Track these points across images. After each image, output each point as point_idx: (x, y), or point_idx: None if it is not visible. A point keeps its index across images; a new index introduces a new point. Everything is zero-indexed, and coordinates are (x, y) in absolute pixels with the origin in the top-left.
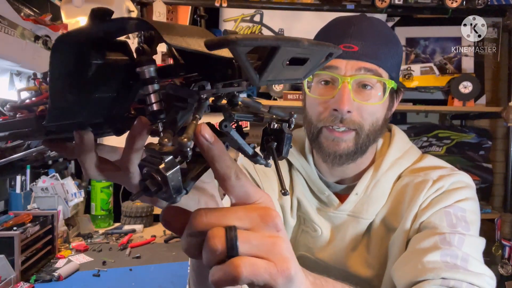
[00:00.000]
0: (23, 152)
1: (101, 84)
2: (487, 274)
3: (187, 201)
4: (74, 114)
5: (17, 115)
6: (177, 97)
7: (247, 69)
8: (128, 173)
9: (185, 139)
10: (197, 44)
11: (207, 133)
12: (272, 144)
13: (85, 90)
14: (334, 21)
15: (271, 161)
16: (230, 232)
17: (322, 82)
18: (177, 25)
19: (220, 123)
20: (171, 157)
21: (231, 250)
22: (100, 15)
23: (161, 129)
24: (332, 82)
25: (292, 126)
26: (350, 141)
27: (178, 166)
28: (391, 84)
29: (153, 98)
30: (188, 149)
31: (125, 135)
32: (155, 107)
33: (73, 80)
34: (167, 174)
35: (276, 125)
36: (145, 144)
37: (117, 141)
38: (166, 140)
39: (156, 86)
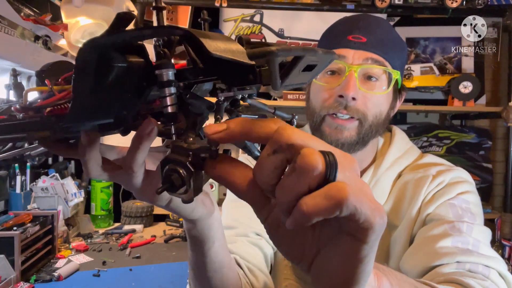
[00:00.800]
0: (8, 152)
1: (119, 86)
2: (499, 258)
3: None
4: (91, 115)
5: (21, 116)
6: (193, 103)
7: (275, 75)
8: (132, 173)
9: None
10: (232, 53)
11: (214, 128)
12: None
13: (105, 91)
14: (342, 19)
15: None
16: (329, 155)
17: (329, 72)
18: (208, 33)
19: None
20: (197, 155)
21: (331, 174)
22: (125, 21)
23: (173, 131)
24: (338, 72)
25: (294, 126)
26: (353, 129)
27: (203, 166)
28: (397, 75)
29: (169, 100)
30: (216, 147)
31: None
32: (170, 109)
33: (96, 82)
34: (194, 170)
35: None
36: (168, 142)
37: (115, 141)
38: (191, 139)
39: (173, 89)
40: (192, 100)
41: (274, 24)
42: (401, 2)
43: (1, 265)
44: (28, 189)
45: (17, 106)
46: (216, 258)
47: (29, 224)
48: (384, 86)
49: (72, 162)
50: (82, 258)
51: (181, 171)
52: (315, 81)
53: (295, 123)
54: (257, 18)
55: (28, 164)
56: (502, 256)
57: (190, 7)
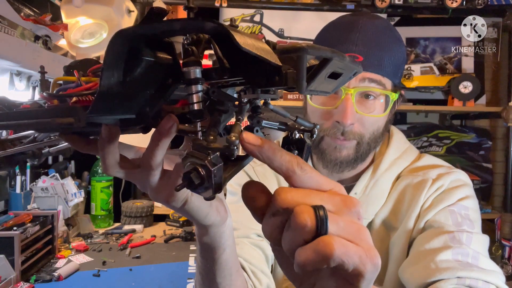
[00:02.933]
0: (29, 145)
1: (144, 81)
2: (497, 271)
3: (200, 204)
4: (115, 108)
5: (45, 105)
6: (218, 101)
7: (302, 76)
8: (150, 170)
9: (233, 138)
10: (261, 51)
11: (251, 139)
12: (293, 152)
13: (130, 84)
14: (337, 23)
15: None
16: (319, 210)
17: None
18: (239, 30)
19: (252, 128)
20: (217, 153)
21: (321, 228)
22: (157, 15)
23: (198, 128)
24: (335, 92)
25: (315, 136)
26: (351, 149)
27: (222, 163)
28: (394, 97)
29: (195, 98)
30: (235, 147)
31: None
32: (196, 107)
33: (123, 73)
34: (213, 169)
35: (298, 134)
36: (192, 140)
37: (128, 140)
38: (212, 137)
39: (199, 87)
40: (218, 98)
41: (274, 24)
42: (401, 2)
43: (1, 265)
44: (28, 189)
45: (44, 94)
46: (227, 265)
47: (29, 224)
48: (382, 100)
49: (72, 162)
50: (82, 258)
51: (200, 169)
52: (311, 103)
53: (316, 132)
54: (257, 18)
55: (28, 164)
56: (502, 256)
57: (189, 8)
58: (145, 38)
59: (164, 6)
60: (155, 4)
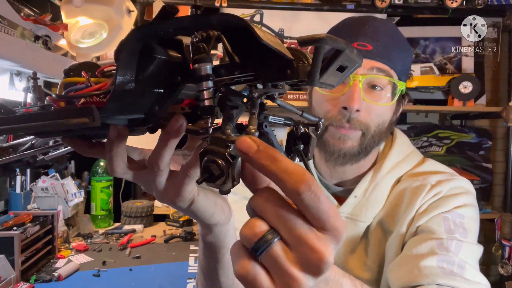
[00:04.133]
0: (26, 152)
1: (156, 79)
2: (482, 283)
3: (206, 203)
4: (126, 107)
5: (52, 108)
6: (229, 97)
7: (316, 67)
8: (158, 171)
9: (253, 130)
10: (277, 45)
11: (243, 145)
12: (299, 146)
13: (142, 83)
14: (347, 20)
15: (298, 162)
16: (272, 235)
17: None
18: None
19: (260, 123)
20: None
21: (254, 252)
22: (169, 13)
23: (209, 124)
24: (342, 81)
25: (320, 130)
26: (355, 140)
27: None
28: (402, 86)
29: (206, 94)
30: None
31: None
32: (207, 102)
33: (137, 72)
34: (233, 161)
35: (303, 128)
36: (204, 138)
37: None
38: (229, 131)
39: (210, 83)
40: (228, 93)
41: (274, 24)
42: (401, 2)
43: (1, 265)
44: (28, 189)
45: (53, 96)
46: (230, 264)
47: (29, 224)
48: (389, 94)
49: (72, 162)
50: (82, 258)
51: (220, 161)
52: (318, 90)
53: (321, 125)
54: (257, 18)
55: None
56: (502, 256)
57: (190, 7)
58: (158, 36)
59: None
60: (155, 4)
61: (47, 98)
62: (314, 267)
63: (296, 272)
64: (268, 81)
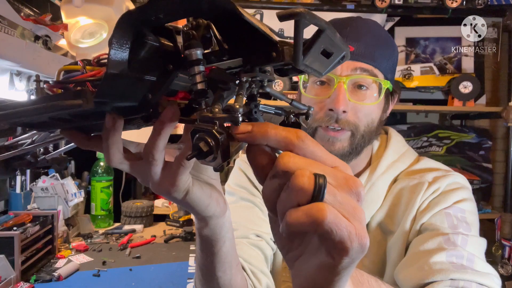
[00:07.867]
0: (26, 147)
1: (148, 65)
2: (493, 274)
3: (201, 195)
4: (120, 93)
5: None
6: (219, 80)
7: (298, 45)
8: (152, 160)
9: (237, 105)
10: (262, 25)
11: (241, 128)
12: None
13: (135, 69)
14: (330, 22)
15: None
16: (320, 177)
17: (318, 83)
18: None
19: (251, 110)
20: (223, 123)
21: (317, 194)
22: None
23: (203, 106)
24: (327, 83)
25: (310, 118)
26: (345, 141)
27: (226, 133)
28: (386, 85)
29: (198, 78)
30: (239, 114)
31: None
32: (199, 86)
33: (129, 57)
34: (220, 137)
35: (294, 118)
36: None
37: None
38: (217, 110)
39: (201, 68)
40: (217, 77)
41: (274, 24)
42: (401, 2)
43: (1, 265)
44: (28, 189)
45: (50, 82)
46: (226, 259)
47: (29, 224)
48: (375, 93)
49: (72, 162)
50: (82, 258)
51: (207, 138)
52: (304, 94)
53: (311, 114)
54: (257, 18)
55: None
56: (502, 256)
57: None
58: (150, 22)
59: None
60: None
61: (44, 85)
62: (356, 191)
63: (352, 200)
64: (255, 65)
